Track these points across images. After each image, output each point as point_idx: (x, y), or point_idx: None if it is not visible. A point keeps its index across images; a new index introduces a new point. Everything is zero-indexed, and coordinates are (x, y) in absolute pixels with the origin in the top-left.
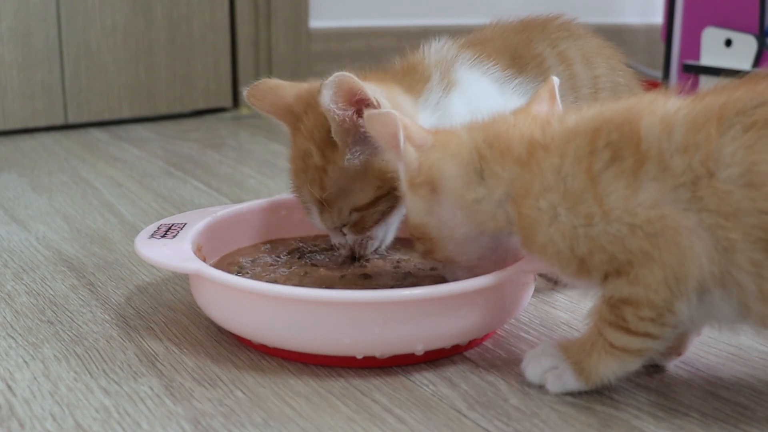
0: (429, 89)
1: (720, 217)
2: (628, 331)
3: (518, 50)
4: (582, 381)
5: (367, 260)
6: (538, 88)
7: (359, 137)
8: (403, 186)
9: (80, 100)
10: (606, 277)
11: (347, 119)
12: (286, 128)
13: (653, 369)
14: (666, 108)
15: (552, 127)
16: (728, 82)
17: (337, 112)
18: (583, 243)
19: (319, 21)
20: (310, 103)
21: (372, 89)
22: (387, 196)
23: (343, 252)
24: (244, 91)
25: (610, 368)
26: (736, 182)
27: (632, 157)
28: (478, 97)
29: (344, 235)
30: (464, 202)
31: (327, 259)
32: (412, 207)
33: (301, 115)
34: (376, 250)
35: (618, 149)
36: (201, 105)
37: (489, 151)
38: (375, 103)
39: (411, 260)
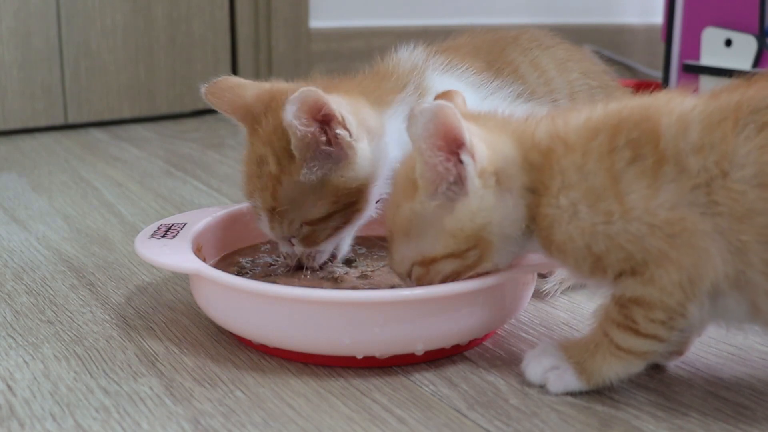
0: (401, 99)
1: (733, 220)
2: (637, 332)
3: (492, 56)
4: (583, 381)
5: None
6: (514, 93)
7: (319, 152)
8: (473, 182)
9: (80, 100)
10: (619, 276)
11: (309, 134)
12: (244, 129)
13: (653, 369)
14: (683, 106)
15: (572, 123)
16: (741, 80)
17: (300, 128)
18: (601, 241)
19: (319, 21)
20: (271, 105)
21: (337, 103)
22: (341, 212)
23: (290, 262)
24: (202, 89)
25: (613, 370)
26: (750, 182)
27: (652, 156)
28: None
29: (293, 245)
30: (523, 190)
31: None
32: (477, 204)
33: (260, 117)
34: (330, 262)
35: (638, 148)
36: (201, 105)
37: (520, 142)
38: (340, 119)
39: None
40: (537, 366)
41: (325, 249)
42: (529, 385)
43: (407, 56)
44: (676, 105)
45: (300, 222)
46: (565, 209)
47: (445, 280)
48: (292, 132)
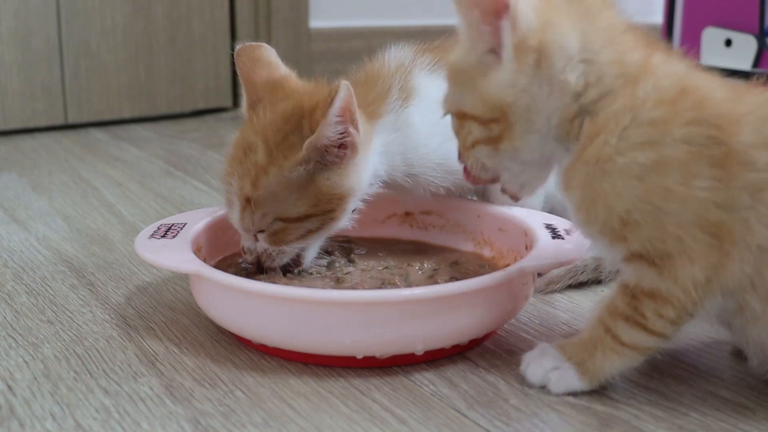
0: (388, 107)
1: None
2: (644, 328)
3: None
4: (586, 381)
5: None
6: None
7: (324, 153)
8: (506, 52)
9: (80, 100)
10: (633, 258)
11: (332, 134)
12: (245, 102)
13: (653, 368)
14: (764, 103)
15: (670, 74)
16: None
17: (336, 126)
18: (648, 212)
19: (319, 21)
20: (273, 94)
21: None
22: (318, 217)
23: (249, 258)
24: (237, 47)
25: (614, 366)
26: None
27: (722, 148)
28: (439, 106)
29: (257, 240)
30: (564, 84)
31: (321, 265)
32: (507, 78)
33: (257, 104)
34: (295, 268)
35: (717, 133)
36: (201, 105)
37: (600, 42)
38: (357, 123)
39: (402, 266)
40: (537, 367)
41: (289, 251)
42: (530, 385)
43: (394, 56)
44: (764, 101)
45: (274, 217)
46: (624, 163)
47: (475, 144)
48: (327, 127)
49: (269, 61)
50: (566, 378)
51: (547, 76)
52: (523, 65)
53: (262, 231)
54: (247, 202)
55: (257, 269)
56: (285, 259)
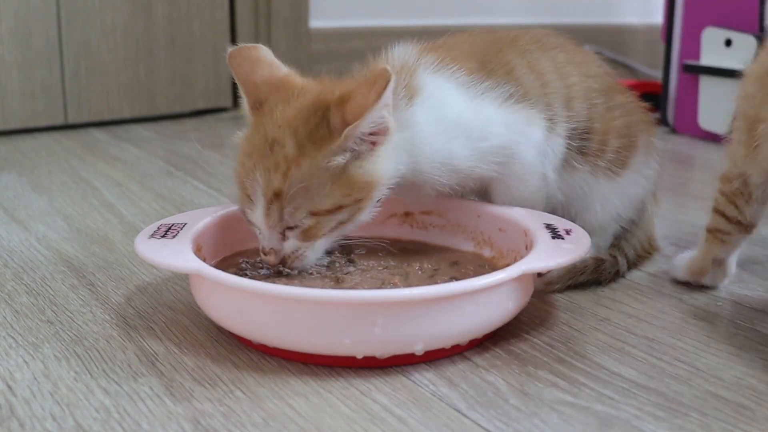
0: (395, 106)
1: None
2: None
3: (487, 56)
4: None
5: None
6: (505, 93)
7: (355, 140)
8: None
9: (80, 100)
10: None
11: (378, 119)
12: (247, 104)
13: (654, 368)
14: None
15: None
16: None
17: (381, 111)
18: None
19: (319, 21)
20: (275, 94)
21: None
22: (348, 208)
23: (272, 259)
24: (229, 50)
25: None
26: None
27: None
28: (443, 106)
29: (283, 240)
30: None
31: (321, 265)
32: None
33: (263, 103)
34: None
35: None
36: (201, 105)
37: None
38: (390, 108)
39: (402, 266)
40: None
41: (317, 248)
42: (529, 385)
43: (398, 55)
44: None
45: (306, 211)
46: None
47: None
48: (375, 112)
49: (270, 61)
50: None
51: None
52: None
53: (291, 228)
54: (276, 197)
55: (276, 273)
56: (311, 259)
